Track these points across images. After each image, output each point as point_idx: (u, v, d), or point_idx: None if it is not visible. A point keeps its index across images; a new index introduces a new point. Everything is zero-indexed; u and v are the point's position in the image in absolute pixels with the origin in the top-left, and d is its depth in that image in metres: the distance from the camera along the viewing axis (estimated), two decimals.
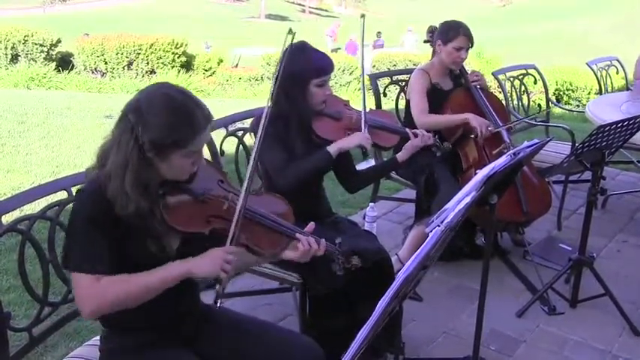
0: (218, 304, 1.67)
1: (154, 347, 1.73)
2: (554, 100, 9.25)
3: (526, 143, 2.34)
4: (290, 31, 1.73)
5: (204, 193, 1.67)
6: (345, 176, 2.69)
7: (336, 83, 12.84)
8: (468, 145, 3.32)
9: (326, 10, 52.85)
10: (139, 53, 13.54)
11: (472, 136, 3.24)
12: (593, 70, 5.30)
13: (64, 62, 13.59)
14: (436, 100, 3.35)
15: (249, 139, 2.67)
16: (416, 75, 3.41)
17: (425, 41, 3.55)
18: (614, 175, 5.21)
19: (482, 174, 2.01)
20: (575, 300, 3.12)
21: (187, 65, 14.46)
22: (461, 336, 2.86)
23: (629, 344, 2.86)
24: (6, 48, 13.19)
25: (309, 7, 50.49)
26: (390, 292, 1.37)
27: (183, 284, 1.65)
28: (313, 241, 1.80)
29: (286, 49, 1.74)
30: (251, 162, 1.69)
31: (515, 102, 4.57)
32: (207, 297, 1.93)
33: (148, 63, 13.56)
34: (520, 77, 4.69)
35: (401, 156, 2.66)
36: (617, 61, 5.64)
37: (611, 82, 5.46)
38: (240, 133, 2.80)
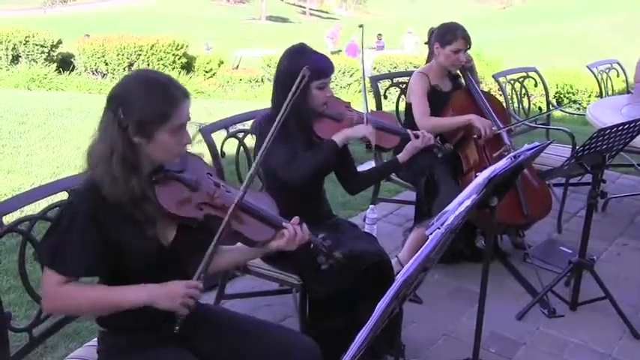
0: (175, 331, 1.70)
1: (148, 347, 1.73)
2: (555, 103, 9.24)
3: (526, 146, 2.35)
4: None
5: (196, 181, 1.75)
6: (346, 177, 2.69)
7: (336, 85, 12.84)
8: (469, 147, 3.33)
9: (327, 12, 52.84)
10: (140, 54, 13.52)
11: (474, 136, 3.25)
12: (593, 73, 5.29)
13: (65, 63, 13.57)
14: (436, 101, 3.36)
15: (250, 141, 2.67)
16: (415, 78, 3.41)
17: (426, 43, 3.57)
18: (615, 178, 5.20)
19: (483, 176, 2.01)
20: (575, 303, 3.12)
21: (188, 66, 14.45)
22: (461, 338, 2.86)
23: (629, 347, 2.86)
24: (7, 49, 13.15)
25: (310, 9, 50.48)
26: (390, 294, 1.36)
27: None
28: (298, 228, 1.88)
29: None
30: (257, 158, 1.78)
31: (516, 105, 4.58)
32: (207, 297, 1.92)
33: (148, 64, 13.50)
34: (521, 80, 4.69)
35: (402, 157, 2.67)
36: (618, 64, 5.63)
37: (612, 85, 5.45)
38: (240, 135, 2.80)
